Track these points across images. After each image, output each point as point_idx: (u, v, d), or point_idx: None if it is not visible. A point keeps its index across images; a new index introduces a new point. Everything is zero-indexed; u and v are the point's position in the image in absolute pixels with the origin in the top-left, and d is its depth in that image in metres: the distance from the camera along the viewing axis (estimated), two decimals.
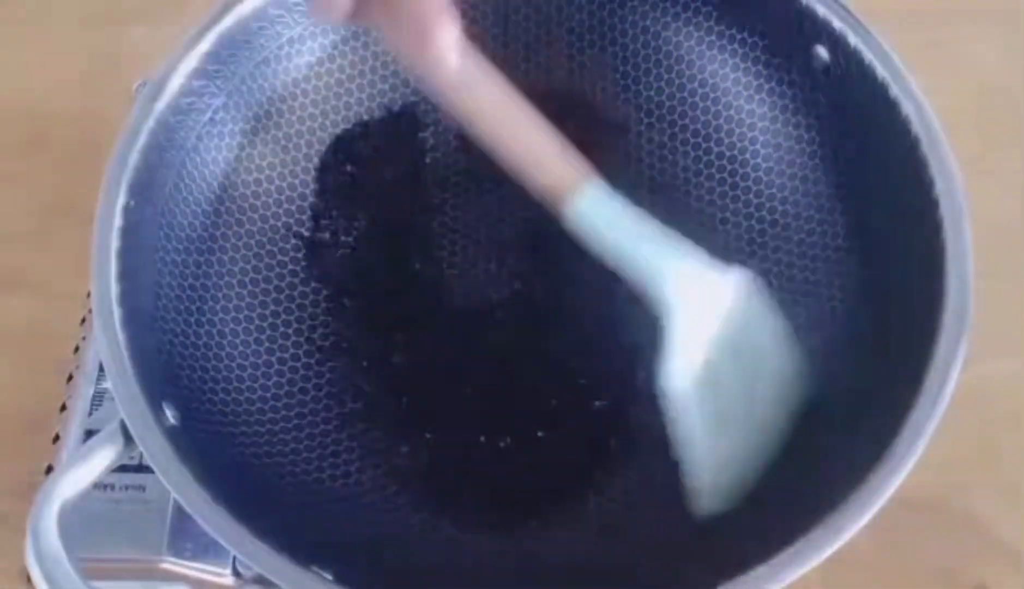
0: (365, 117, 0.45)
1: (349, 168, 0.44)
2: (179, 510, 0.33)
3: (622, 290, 0.36)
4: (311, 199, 0.44)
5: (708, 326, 0.34)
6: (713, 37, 0.44)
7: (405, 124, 0.45)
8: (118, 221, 0.35)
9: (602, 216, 0.34)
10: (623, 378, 0.40)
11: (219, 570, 0.37)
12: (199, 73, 0.39)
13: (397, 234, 0.44)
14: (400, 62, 0.45)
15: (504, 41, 0.46)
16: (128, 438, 0.32)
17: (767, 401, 0.36)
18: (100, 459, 0.32)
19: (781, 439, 0.36)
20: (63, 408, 0.40)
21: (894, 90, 0.37)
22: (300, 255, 0.43)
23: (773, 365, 0.36)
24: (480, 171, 0.44)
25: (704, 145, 0.44)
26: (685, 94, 0.44)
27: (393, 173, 0.45)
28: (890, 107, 0.37)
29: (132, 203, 0.36)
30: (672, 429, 0.35)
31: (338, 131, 0.44)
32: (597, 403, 0.40)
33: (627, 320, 0.38)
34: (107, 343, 0.33)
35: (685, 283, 0.34)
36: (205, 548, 0.37)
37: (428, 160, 0.45)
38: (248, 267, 0.42)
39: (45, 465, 0.39)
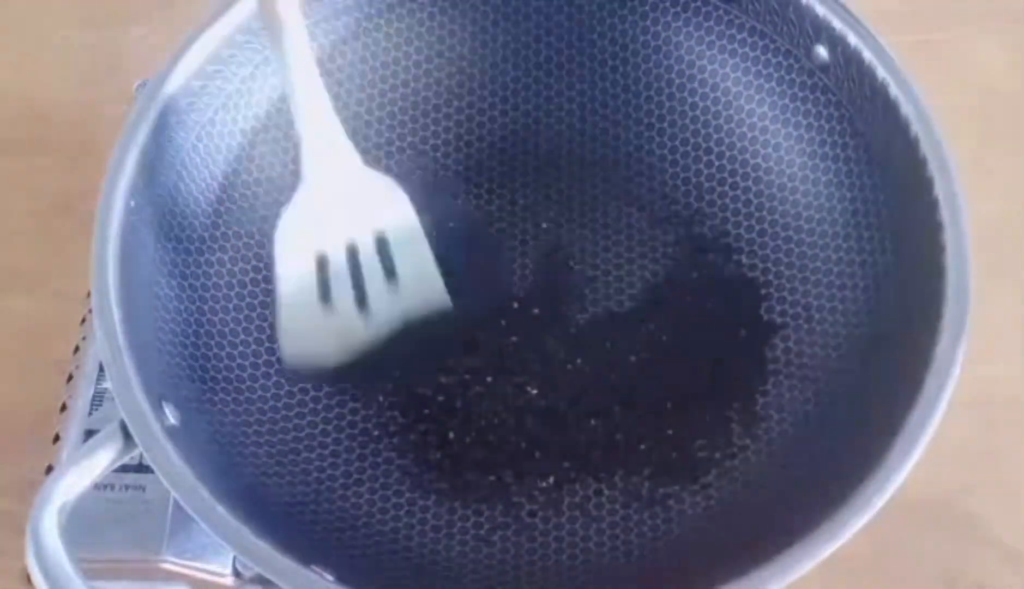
0: (366, 117, 0.45)
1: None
2: (179, 510, 0.33)
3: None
4: None
5: (334, 206, 0.38)
6: (713, 37, 0.44)
7: (411, 123, 0.45)
8: (118, 221, 0.35)
9: (294, 61, 0.36)
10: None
11: (219, 570, 0.37)
12: (199, 73, 0.39)
13: None
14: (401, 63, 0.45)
15: (505, 42, 0.46)
16: (128, 438, 0.32)
17: (385, 299, 0.39)
18: (100, 459, 0.32)
19: (392, 337, 0.40)
20: (63, 408, 0.40)
21: (894, 90, 0.37)
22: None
23: (404, 270, 0.39)
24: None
25: (704, 145, 0.44)
26: (685, 94, 0.44)
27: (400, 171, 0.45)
28: (890, 107, 0.37)
29: (132, 203, 0.36)
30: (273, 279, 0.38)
31: None
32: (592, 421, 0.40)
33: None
34: (107, 343, 0.33)
35: (326, 160, 0.37)
36: (205, 548, 0.37)
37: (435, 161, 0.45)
38: (248, 267, 0.42)
39: (45, 465, 0.39)
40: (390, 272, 0.39)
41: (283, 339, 0.39)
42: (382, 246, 0.39)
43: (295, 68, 0.36)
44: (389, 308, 0.39)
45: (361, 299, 0.39)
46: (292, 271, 0.38)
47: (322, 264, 0.38)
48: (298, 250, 0.38)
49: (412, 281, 0.39)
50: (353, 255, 0.38)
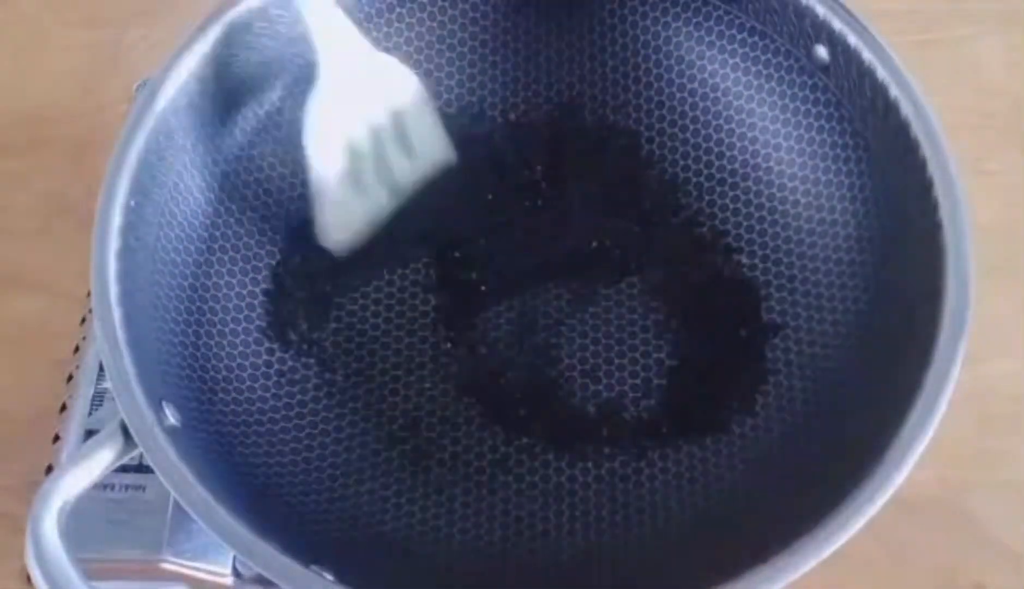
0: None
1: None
2: (179, 510, 0.33)
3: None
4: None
5: (353, 90, 0.39)
6: (713, 37, 0.44)
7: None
8: (118, 221, 0.35)
9: None
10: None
11: (219, 570, 0.37)
12: (199, 73, 0.39)
13: (402, 237, 0.44)
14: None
15: (506, 41, 0.46)
16: (128, 438, 0.32)
17: (406, 171, 0.41)
18: (100, 459, 0.32)
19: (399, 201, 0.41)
20: (63, 408, 0.40)
21: (894, 90, 0.37)
22: (301, 255, 0.43)
23: (419, 142, 0.41)
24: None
25: (704, 145, 0.44)
26: (685, 94, 0.44)
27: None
28: (890, 107, 0.37)
29: (132, 202, 0.36)
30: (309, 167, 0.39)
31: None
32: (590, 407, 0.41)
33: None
34: (107, 343, 0.33)
35: (341, 45, 0.39)
36: (205, 548, 0.37)
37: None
38: (248, 267, 0.42)
39: (45, 465, 0.39)
40: (408, 147, 0.40)
41: (320, 224, 0.40)
42: (399, 122, 0.40)
43: None
44: (409, 179, 0.41)
45: (387, 176, 0.40)
46: (322, 160, 0.39)
47: (349, 149, 0.39)
48: (326, 139, 0.39)
49: (426, 150, 0.41)
50: (376, 136, 0.40)
